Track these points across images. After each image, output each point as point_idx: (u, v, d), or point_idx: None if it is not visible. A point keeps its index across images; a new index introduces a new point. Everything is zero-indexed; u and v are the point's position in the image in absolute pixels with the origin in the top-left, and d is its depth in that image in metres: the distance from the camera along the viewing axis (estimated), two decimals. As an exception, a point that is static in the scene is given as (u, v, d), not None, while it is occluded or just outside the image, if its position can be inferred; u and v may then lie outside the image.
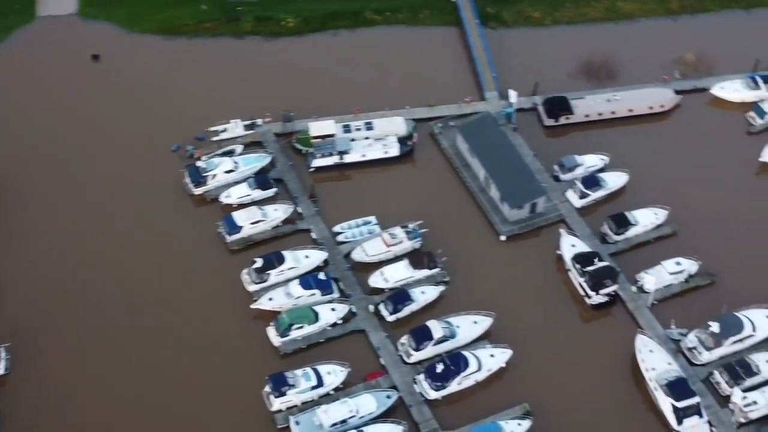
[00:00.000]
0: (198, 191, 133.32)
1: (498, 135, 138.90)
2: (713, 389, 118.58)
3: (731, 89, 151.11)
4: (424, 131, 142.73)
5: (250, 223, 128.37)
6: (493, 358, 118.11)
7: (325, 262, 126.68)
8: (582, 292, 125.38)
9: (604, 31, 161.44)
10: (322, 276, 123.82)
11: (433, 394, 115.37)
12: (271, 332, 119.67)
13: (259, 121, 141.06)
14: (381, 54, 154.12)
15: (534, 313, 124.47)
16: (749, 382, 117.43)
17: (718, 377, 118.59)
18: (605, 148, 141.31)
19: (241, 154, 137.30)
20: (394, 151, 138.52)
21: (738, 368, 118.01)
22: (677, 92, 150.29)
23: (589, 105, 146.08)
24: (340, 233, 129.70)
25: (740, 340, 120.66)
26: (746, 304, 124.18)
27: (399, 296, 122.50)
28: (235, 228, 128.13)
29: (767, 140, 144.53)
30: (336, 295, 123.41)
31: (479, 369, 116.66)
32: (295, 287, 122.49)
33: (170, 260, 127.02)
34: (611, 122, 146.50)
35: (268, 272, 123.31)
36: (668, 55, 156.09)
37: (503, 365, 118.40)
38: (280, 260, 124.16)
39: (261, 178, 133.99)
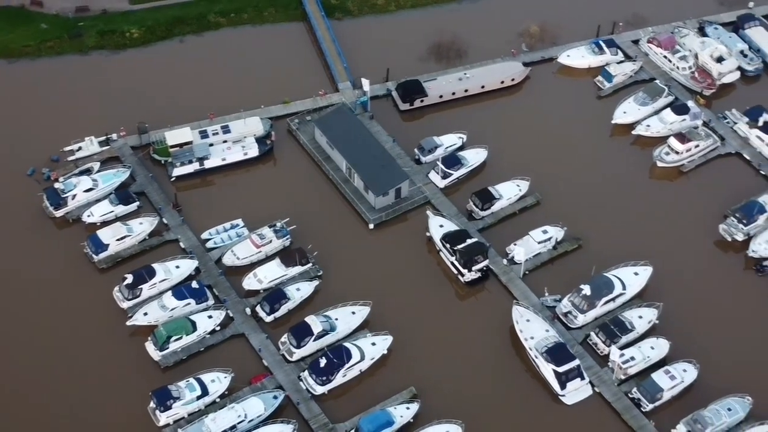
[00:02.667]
0: (59, 213, 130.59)
1: (355, 125, 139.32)
2: (592, 350, 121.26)
3: (577, 56, 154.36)
4: (282, 128, 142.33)
5: (116, 239, 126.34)
6: (374, 347, 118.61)
7: (197, 270, 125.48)
8: (455, 271, 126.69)
9: (448, 11, 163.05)
10: (195, 284, 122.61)
11: (319, 389, 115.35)
12: (150, 347, 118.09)
13: (114, 136, 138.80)
14: (230, 56, 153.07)
15: (410, 296, 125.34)
16: (625, 339, 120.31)
17: (595, 338, 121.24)
18: (462, 126, 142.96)
19: (98, 171, 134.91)
20: (253, 151, 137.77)
21: (613, 327, 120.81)
22: (526, 64, 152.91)
23: (441, 86, 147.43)
24: (209, 239, 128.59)
25: (612, 300, 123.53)
26: (614, 263, 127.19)
27: (274, 296, 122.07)
28: (101, 246, 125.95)
29: (617, 102, 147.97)
30: (211, 302, 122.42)
31: (362, 359, 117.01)
32: (169, 299, 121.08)
33: (37, 287, 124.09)
34: (465, 100, 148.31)
35: (139, 287, 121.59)
36: (513, 29, 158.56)
37: (385, 352, 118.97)
38: (151, 274, 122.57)
39: (122, 194, 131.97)
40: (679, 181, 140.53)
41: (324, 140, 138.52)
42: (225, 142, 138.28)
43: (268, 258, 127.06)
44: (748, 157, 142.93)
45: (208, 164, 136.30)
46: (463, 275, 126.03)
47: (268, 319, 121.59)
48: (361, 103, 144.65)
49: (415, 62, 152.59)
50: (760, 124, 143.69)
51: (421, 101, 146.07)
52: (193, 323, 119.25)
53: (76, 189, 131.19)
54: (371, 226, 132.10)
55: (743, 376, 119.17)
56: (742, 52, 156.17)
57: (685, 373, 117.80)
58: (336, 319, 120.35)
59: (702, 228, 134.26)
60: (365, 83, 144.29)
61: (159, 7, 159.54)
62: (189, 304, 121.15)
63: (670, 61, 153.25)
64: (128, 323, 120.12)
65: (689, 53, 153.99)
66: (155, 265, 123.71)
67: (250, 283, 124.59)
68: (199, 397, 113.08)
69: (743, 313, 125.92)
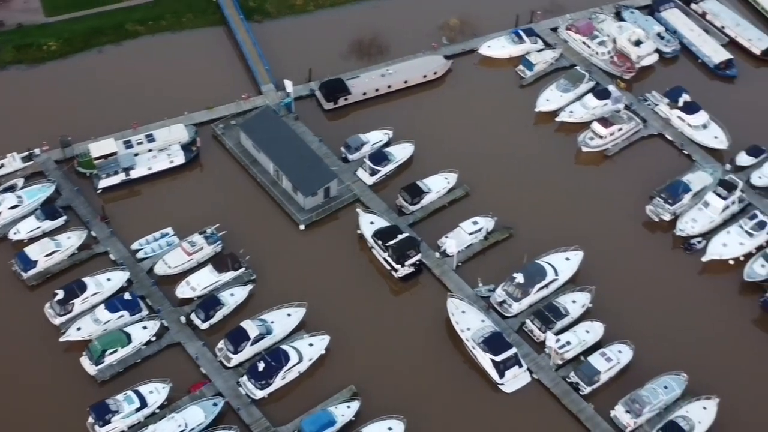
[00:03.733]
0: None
1: (280, 126, 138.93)
2: (528, 337, 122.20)
3: (498, 47, 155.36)
4: (207, 134, 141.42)
5: (44, 255, 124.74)
6: (312, 347, 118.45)
7: (129, 281, 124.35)
8: (388, 267, 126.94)
9: (368, 8, 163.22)
10: (127, 296, 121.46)
11: (259, 394, 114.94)
12: (85, 362, 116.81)
13: (37, 151, 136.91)
14: (150, 64, 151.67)
15: (345, 295, 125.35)
16: (560, 324, 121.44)
17: (531, 325, 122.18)
18: (388, 122, 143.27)
19: (23, 188, 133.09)
20: (179, 159, 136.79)
21: (547, 313, 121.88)
22: (447, 57, 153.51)
23: (365, 83, 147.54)
24: (139, 250, 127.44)
25: (545, 286, 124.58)
26: (545, 250, 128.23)
27: (209, 303, 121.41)
28: (29, 263, 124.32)
29: (539, 90, 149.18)
30: (145, 312, 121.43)
31: (300, 360, 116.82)
32: (102, 312, 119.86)
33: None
34: (389, 96, 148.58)
35: (71, 302, 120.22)
36: (433, 22, 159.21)
37: (323, 352, 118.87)
38: (82, 288, 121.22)
39: (48, 209, 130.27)
40: (604, 165, 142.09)
41: (250, 144, 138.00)
42: (150, 151, 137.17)
43: (200, 265, 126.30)
44: (670, 138, 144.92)
45: (134, 174, 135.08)
46: (396, 271, 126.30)
47: (204, 326, 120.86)
48: (285, 105, 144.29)
49: (337, 61, 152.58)
50: (680, 104, 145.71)
51: (345, 99, 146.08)
52: (128, 335, 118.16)
53: (0, 207, 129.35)
54: (302, 226, 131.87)
55: (677, 354, 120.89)
56: (659, 34, 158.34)
57: (620, 355, 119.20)
58: (272, 322, 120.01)
59: (629, 210, 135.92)
60: (288, 84, 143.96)
61: (76, 19, 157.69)
62: (123, 316, 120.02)
63: (589, 47, 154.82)
64: (61, 339, 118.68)
65: (607, 38, 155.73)
66: (86, 279, 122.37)
67: (183, 291, 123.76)
68: (138, 410, 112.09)
69: (674, 292, 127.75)
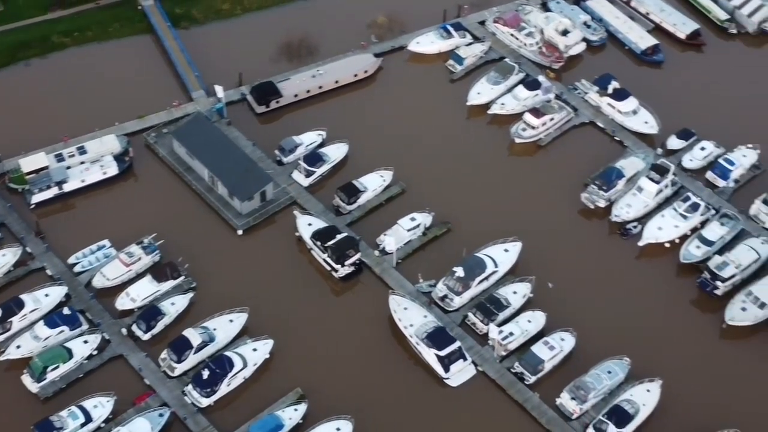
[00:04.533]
0: None
1: (213, 132, 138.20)
2: (471, 330, 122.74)
3: (427, 42, 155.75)
4: (139, 144, 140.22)
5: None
6: (256, 352, 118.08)
7: (67, 296, 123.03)
8: (328, 267, 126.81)
9: (294, 9, 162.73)
10: (66, 311, 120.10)
11: (205, 402, 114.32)
12: (27, 380, 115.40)
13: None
14: (79, 75, 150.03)
15: (287, 298, 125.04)
16: (502, 315, 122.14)
17: (473, 318, 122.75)
18: (321, 122, 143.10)
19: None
20: (112, 170, 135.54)
21: (489, 305, 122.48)
22: (377, 55, 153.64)
23: (295, 84, 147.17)
24: (76, 263, 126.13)
25: (486, 278, 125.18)
26: (484, 242, 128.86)
27: (149, 313, 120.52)
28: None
29: (470, 84, 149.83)
30: (85, 327, 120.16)
31: (245, 366, 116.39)
32: (42, 329, 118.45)
33: None
34: (321, 97, 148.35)
35: (9, 320, 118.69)
36: (361, 21, 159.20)
37: (268, 356, 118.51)
38: (20, 305, 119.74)
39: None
40: (538, 155, 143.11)
41: (183, 151, 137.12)
42: (82, 163, 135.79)
43: (139, 275, 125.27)
44: (601, 125, 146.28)
45: (68, 187, 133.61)
46: (336, 271, 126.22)
47: (146, 337, 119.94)
48: (217, 110, 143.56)
49: (266, 64, 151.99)
50: (610, 91, 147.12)
51: (277, 102, 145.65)
52: (69, 350, 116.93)
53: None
54: (240, 232, 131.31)
55: (619, 339, 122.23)
56: (585, 23, 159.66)
57: (563, 342, 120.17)
58: (214, 329, 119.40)
59: (565, 198, 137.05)
60: (219, 90, 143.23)
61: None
62: (62, 331, 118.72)
63: (517, 38, 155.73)
64: (1, 358, 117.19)
65: (535, 29, 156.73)
66: (23, 296, 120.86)
67: (123, 303, 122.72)
68: (83, 425, 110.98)
69: (613, 277, 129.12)
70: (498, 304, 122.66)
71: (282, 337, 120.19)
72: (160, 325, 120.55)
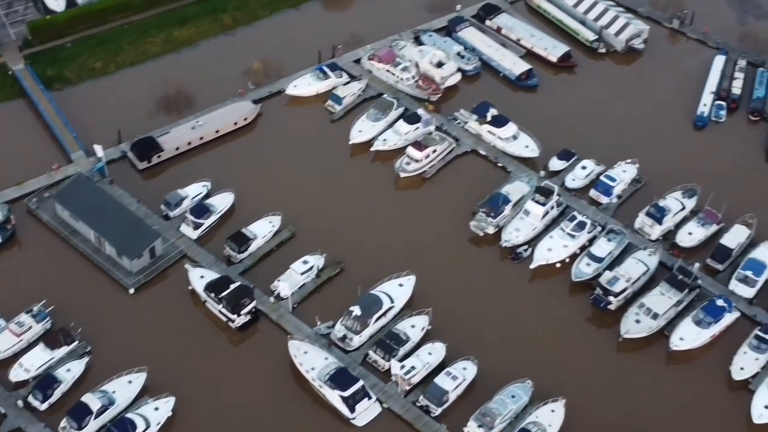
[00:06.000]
0: None
1: (96, 192, 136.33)
2: (373, 368, 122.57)
3: (304, 85, 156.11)
4: (20, 210, 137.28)
5: None
6: (158, 411, 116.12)
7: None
8: (224, 319, 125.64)
9: (169, 62, 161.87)
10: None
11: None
12: None
13: None
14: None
15: (185, 353, 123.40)
16: (402, 350, 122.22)
17: (374, 355, 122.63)
18: (205, 173, 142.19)
19: None
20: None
21: (389, 341, 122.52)
22: (256, 102, 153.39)
23: (176, 138, 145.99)
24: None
25: (383, 315, 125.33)
26: (378, 279, 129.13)
27: (45, 382, 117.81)
28: None
29: (351, 123, 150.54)
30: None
31: (148, 426, 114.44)
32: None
33: None
34: (203, 147, 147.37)
35: None
36: (237, 69, 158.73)
37: (170, 414, 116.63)
38: None
39: None
40: (424, 188, 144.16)
41: (66, 214, 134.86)
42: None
43: (31, 344, 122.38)
44: (483, 153, 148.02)
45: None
46: (233, 321, 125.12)
47: (43, 407, 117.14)
48: (98, 170, 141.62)
49: (145, 119, 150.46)
50: (489, 119, 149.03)
51: (159, 157, 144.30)
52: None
53: None
54: (131, 290, 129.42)
55: (520, 362, 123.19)
56: (459, 53, 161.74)
57: (465, 371, 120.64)
58: (113, 392, 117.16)
59: (455, 228, 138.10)
60: (98, 149, 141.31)
61: None
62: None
63: (393, 74, 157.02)
64: None
65: (410, 63, 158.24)
66: None
67: (17, 374, 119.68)
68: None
69: (508, 302, 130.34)
70: (397, 339, 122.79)
71: (184, 393, 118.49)
72: (57, 393, 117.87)
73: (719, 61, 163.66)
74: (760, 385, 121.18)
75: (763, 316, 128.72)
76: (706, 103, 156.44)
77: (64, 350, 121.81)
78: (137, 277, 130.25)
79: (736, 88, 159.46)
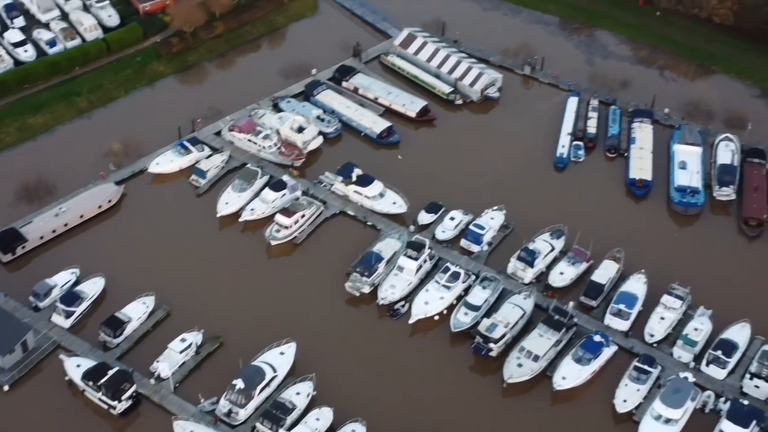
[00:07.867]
0: None
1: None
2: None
3: (166, 162, 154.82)
4: None
5: None
6: None
7: None
8: (105, 406, 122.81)
9: (26, 150, 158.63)
10: None
11: None
12: None
13: None
14: None
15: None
16: (290, 419, 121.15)
17: (261, 427, 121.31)
18: (72, 260, 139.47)
19: None
20: None
21: (275, 411, 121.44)
22: (119, 183, 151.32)
23: (39, 227, 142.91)
24: None
25: (267, 385, 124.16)
26: (258, 350, 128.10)
27: None
28: None
29: (217, 195, 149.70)
30: None
31: None
32: None
33: None
34: (69, 234, 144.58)
35: None
36: (96, 151, 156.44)
37: None
38: None
39: None
40: (296, 253, 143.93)
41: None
42: None
43: None
44: (352, 213, 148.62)
45: None
46: (114, 408, 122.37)
47: None
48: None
49: (6, 210, 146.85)
50: (354, 179, 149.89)
51: (23, 248, 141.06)
52: None
53: None
54: (6, 387, 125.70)
55: (407, 418, 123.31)
56: (318, 117, 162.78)
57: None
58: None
59: (330, 291, 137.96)
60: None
61: None
62: None
63: (255, 143, 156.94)
64: None
65: (271, 131, 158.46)
66: None
67: None
68: None
69: (390, 359, 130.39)
70: (284, 408, 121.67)
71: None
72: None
73: (573, 102, 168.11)
74: (643, 415, 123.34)
75: (640, 348, 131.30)
76: (564, 145, 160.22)
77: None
78: (11, 373, 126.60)
79: (591, 127, 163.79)
